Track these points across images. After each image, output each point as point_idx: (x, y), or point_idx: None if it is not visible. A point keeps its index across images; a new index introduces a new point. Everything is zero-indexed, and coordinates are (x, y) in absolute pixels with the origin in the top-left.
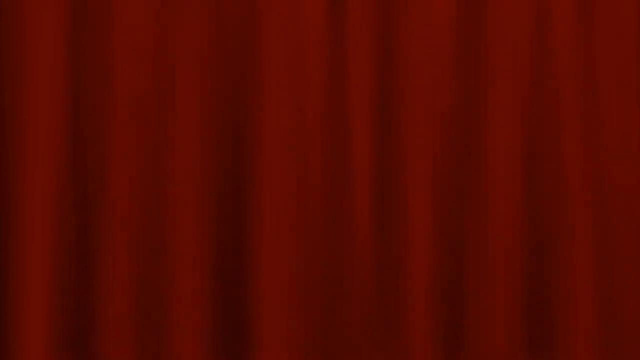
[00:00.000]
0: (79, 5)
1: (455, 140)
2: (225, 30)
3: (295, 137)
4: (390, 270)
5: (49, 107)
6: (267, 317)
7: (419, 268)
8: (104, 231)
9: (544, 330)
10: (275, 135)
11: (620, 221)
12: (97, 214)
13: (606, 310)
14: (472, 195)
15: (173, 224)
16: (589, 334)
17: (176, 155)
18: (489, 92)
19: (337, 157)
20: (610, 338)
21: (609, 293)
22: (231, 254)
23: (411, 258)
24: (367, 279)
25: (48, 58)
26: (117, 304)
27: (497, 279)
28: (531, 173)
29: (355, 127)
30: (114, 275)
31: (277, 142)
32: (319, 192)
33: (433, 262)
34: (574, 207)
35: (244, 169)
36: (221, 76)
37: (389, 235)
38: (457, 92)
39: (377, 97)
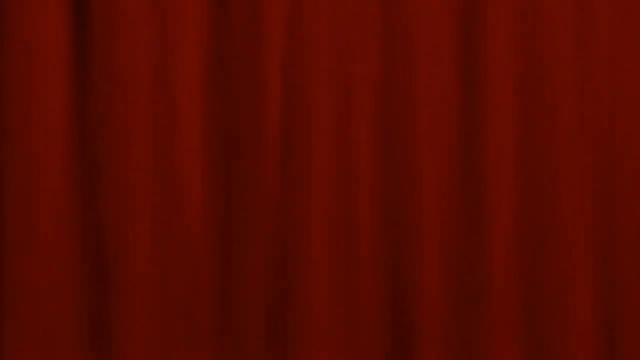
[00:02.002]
0: (83, 4)
1: (455, 140)
2: (228, 32)
3: (297, 140)
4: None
5: (53, 105)
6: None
7: (432, 273)
8: (122, 229)
9: (544, 330)
10: (279, 138)
11: (621, 222)
12: (111, 212)
13: (606, 311)
14: (470, 194)
15: (187, 221)
16: (588, 335)
17: (181, 154)
18: (488, 92)
19: (338, 157)
20: (609, 339)
21: (608, 294)
22: (236, 253)
23: (426, 266)
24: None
25: (52, 57)
26: (138, 303)
27: (494, 281)
28: (531, 173)
29: (356, 128)
30: (133, 274)
31: (281, 146)
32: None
33: (442, 268)
34: (574, 208)
35: (245, 167)
36: (223, 79)
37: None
38: (457, 92)
39: (378, 98)
